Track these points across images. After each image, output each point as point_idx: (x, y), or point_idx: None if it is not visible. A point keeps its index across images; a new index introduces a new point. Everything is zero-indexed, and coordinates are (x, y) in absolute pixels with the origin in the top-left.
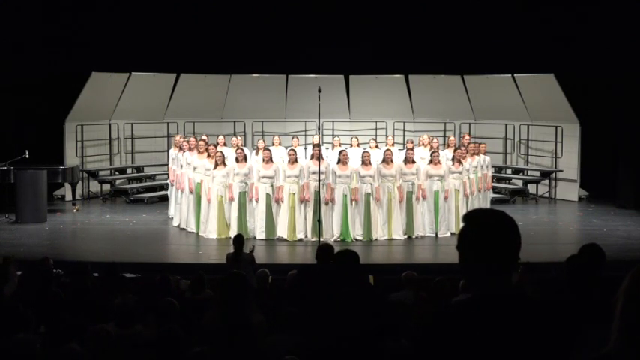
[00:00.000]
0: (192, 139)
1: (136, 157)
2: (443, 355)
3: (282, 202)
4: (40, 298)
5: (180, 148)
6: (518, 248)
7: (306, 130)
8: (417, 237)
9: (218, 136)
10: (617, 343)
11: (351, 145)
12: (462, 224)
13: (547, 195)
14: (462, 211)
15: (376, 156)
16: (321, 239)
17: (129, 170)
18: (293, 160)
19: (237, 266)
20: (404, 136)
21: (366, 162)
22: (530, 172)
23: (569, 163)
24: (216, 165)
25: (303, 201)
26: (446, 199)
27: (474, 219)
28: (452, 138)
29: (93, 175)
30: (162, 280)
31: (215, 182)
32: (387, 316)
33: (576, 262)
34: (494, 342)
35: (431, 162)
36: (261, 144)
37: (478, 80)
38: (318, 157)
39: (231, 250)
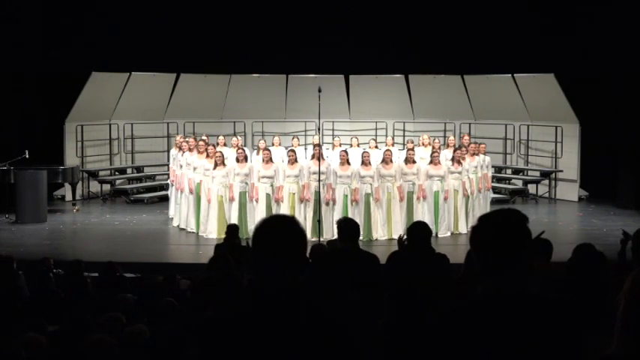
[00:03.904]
0: (191, 139)
1: (136, 157)
2: (451, 353)
3: (282, 201)
4: (40, 298)
5: (180, 149)
6: (528, 246)
7: (306, 130)
8: None
9: (218, 136)
10: (619, 345)
11: (351, 145)
12: (474, 224)
13: (547, 195)
14: (462, 211)
15: (376, 156)
16: (321, 239)
17: (129, 170)
18: (293, 160)
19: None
20: (404, 136)
21: (365, 162)
22: (530, 172)
23: (569, 163)
24: (216, 165)
25: (303, 201)
26: (446, 199)
27: (486, 217)
28: (451, 138)
29: (93, 175)
30: (167, 280)
31: (215, 182)
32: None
33: (571, 263)
34: (503, 340)
35: (431, 162)
36: (262, 144)
37: (478, 80)
38: (319, 157)
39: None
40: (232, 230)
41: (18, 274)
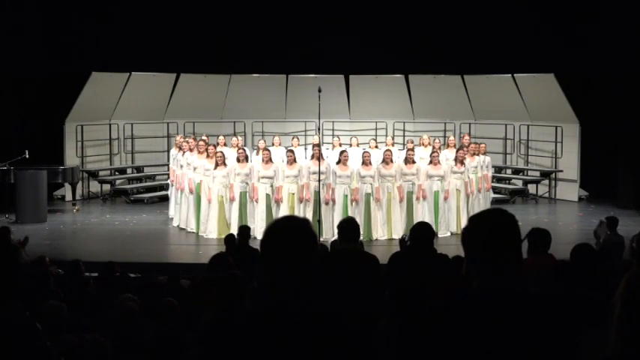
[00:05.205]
0: (192, 139)
1: (136, 157)
2: (446, 352)
3: (282, 202)
4: (39, 298)
5: (180, 149)
6: (519, 244)
7: (306, 130)
8: None
9: (218, 136)
10: (617, 346)
11: (351, 145)
12: (465, 224)
13: (547, 195)
14: (463, 211)
15: (376, 156)
16: (321, 239)
17: (129, 170)
18: (292, 161)
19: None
20: (404, 136)
21: (366, 162)
22: (530, 172)
23: (569, 163)
24: (217, 165)
25: (302, 201)
26: (446, 199)
27: (478, 218)
28: (452, 138)
29: (93, 175)
30: (171, 280)
31: (216, 182)
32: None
33: (570, 263)
34: (498, 339)
35: (431, 162)
36: (262, 144)
37: (478, 80)
38: (319, 157)
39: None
40: (244, 232)
41: (16, 247)
